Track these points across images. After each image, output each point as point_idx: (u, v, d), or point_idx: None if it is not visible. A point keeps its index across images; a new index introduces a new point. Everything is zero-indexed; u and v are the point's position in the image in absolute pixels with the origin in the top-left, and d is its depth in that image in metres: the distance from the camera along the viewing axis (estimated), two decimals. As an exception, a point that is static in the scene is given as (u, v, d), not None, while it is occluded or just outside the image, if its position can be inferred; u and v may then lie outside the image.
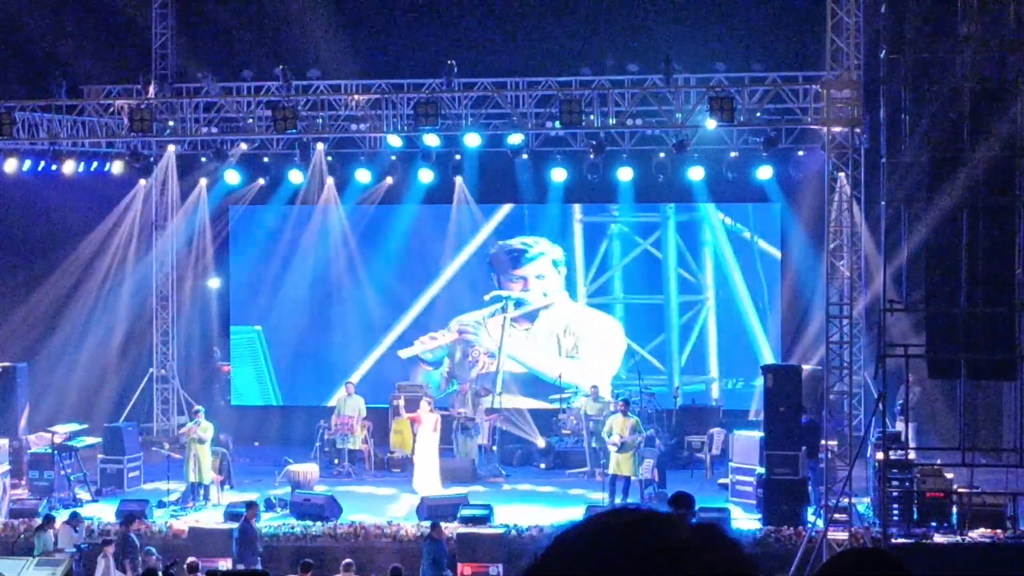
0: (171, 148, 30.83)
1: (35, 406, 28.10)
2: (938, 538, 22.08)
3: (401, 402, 29.35)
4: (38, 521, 22.97)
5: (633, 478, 25.44)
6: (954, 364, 21.02)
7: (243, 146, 29.84)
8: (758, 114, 25.65)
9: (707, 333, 31.63)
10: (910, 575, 3.06)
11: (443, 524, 22.96)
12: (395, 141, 28.34)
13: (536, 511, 24.84)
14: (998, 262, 20.66)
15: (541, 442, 29.95)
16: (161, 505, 25.28)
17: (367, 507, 25.29)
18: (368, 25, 30.80)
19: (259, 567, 21.69)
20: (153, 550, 21.75)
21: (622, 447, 25.23)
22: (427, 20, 31.23)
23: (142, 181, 31.58)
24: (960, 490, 22.61)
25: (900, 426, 24.38)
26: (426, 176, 29.71)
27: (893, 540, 21.40)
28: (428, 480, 25.93)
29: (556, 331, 31.92)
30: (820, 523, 22.75)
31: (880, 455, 22.56)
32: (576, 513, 23.98)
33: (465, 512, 23.79)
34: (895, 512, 22.50)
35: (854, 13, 24.77)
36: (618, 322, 31.80)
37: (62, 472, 26.18)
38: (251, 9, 30.84)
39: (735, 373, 31.42)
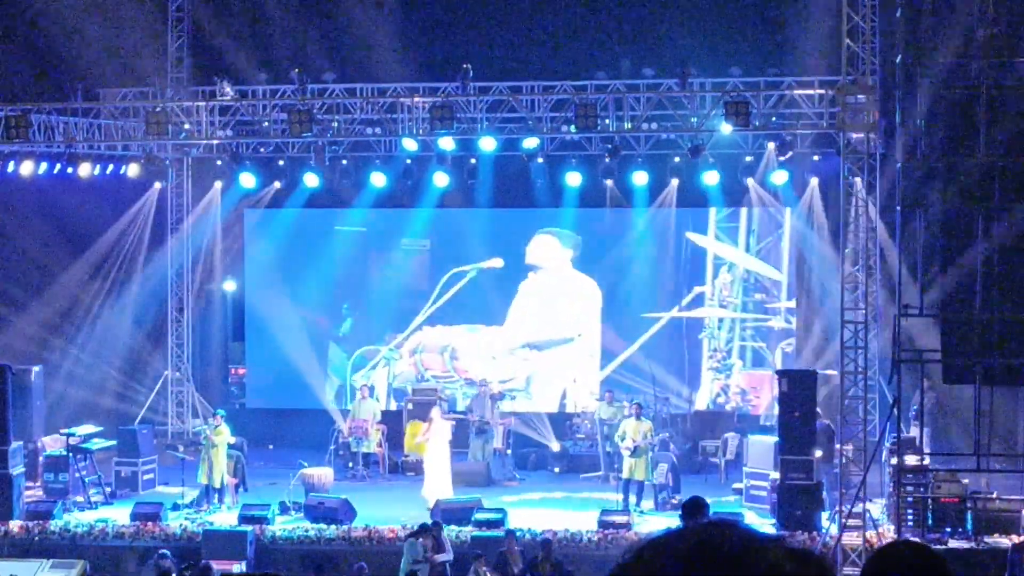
0: (183, 151, 30.90)
1: (50, 408, 28.16)
2: (953, 543, 22.05)
3: (411, 406, 29.47)
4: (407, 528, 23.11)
5: (647, 482, 25.45)
6: (969, 369, 20.97)
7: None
8: (773, 119, 25.64)
9: (722, 338, 31.52)
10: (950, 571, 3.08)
11: (457, 527, 23.03)
12: (410, 145, 28.36)
13: (550, 515, 24.83)
14: (1014, 267, 20.62)
15: (556, 446, 29.96)
16: (175, 508, 25.30)
17: (381, 510, 25.28)
18: (383, 29, 30.78)
19: None
20: (167, 553, 21.75)
21: (635, 451, 25.24)
22: (442, 24, 31.23)
23: (157, 184, 31.70)
24: (975, 495, 22.57)
25: (915, 431, 24.32)
26: (441, 180, 29.71)
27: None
28: (439, 488, 25.76)
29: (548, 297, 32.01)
30: (834, 528, 22.72)
31: (895, 460, 22.53)
32: (590, 517, 24.04)
33: (479, 516, 23.79)
34: (910, 517, 22.46)
35: (870, 18, 24.71)
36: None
37: (77, 474, 26.21)
38: (266, 13, 30.87)
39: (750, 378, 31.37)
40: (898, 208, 21.84)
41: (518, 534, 22.72)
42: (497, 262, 31.89)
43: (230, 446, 26.19)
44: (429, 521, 22.95)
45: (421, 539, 21.76)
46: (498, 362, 31.85)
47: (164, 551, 21.91)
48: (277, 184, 31.40)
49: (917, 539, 20.21)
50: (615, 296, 31.63)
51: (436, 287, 32.16)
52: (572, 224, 31.66)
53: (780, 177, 28.85)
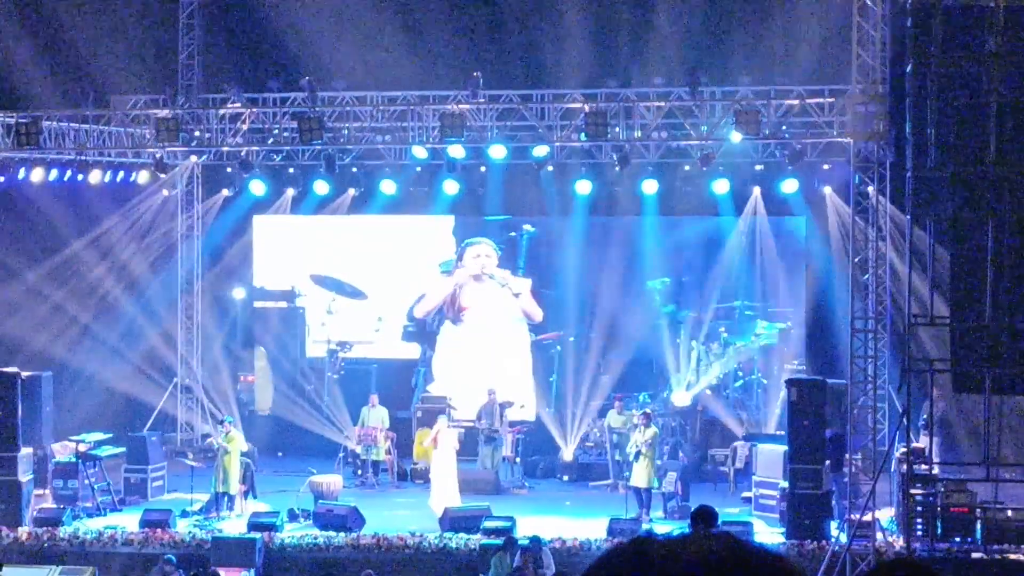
0: (193, 159, 30.92)
1: (60, 415, 28.17)
2: (962, 553, 22.00)
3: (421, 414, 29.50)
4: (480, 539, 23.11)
5: (653, 490, 25.37)
6: (979, 378, 20.92)
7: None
8: (784, 127, 25.62)
9: (731, 354, 31.45)
10: None
11: (465, 536, 23.02)
12: (420, 153, 28.36)
13: (559, 523, 24.80)
14: (1024, 276, 20.58)
15: (568, 454, 29.86)
16: (184, 515, 25.31)
17: (390, 518, 25.28)
18: (393, 37, 30.81)
19: None
20: (173, 558, 21.75)
21: (636, 456, 25.20)
22: (453, 32, 31.25)
23: (167, 191, 31.71)
24: (985, 505, 22.52)
25: (924, 440, 24.29)
26: (451, 188, 29.71)
27: (917, 555, 21.31)
28: (447, 497, 25.64)
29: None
30: (843, 537, 22.69)
31: (904, 469, 22.49)
32: (599, 525, 24.00)
33: (488, 524, 23.77)
34: (919, 527, 22.42)
35: (880, 27, 24.71)
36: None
37: (86, 481, 26.24)
38: (277, 20, 30.89)
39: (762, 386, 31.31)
40: (907, 216, 21.82)
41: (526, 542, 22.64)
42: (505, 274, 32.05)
43: (241, 453, 26.21)
44: (524, 538, 22.75)
45: (508, 554, 21.63)
46: (507, 374, 31.80)
47: (169, 556, 21.92)
48: (291, 192, 31.50)
49: (918, 558, 20.23)
50: (625, 306, 31.54)
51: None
52: (582, 232, 31.57)
53: (790, 186, 28.83)
